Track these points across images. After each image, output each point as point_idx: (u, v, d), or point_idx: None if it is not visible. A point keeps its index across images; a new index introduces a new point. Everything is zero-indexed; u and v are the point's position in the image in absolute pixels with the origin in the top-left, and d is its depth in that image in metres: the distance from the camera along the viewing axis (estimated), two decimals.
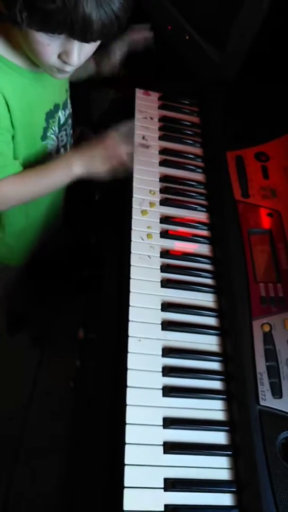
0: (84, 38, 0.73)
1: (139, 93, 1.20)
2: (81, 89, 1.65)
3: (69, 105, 1.04)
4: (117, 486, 0.68)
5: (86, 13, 0.67)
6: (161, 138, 1.12)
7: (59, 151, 1.04)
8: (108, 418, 0.78)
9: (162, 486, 0.68)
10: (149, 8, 1.51)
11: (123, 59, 1.14)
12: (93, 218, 1.31)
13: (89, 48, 0.79)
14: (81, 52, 0.77)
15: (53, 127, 0.98)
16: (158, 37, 1.44)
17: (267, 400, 0.75)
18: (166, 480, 0.69)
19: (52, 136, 0.99)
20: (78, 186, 1.01)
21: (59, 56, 0.77)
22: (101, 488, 0.73)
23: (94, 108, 1.71)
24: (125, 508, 0.65)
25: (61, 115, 1.00)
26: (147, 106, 1.18)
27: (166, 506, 0.67)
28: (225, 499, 0.70)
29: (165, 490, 0.68)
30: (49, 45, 0.74)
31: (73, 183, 0.96)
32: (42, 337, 1.69)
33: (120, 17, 0.71)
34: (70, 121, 1.07)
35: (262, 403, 0.74)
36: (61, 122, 1.01)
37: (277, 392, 0.76)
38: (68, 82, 1.02)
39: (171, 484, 0.68)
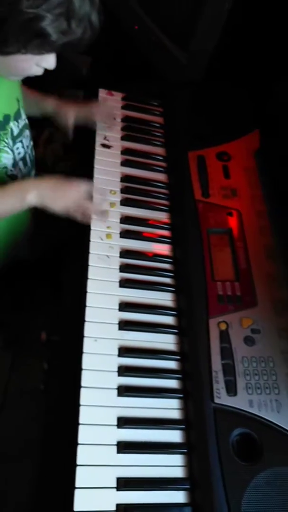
0: (76, 49, 0.78)
1: (102, 93, 1.20)
2: (52, 91, 1.64)
3: (23, 116, 1.00)
4: (70, 487, 0.67)
5: (86, 34, 0.74)
6: (123, 138, 1.12)
7: (16, 165, 1.00)
8: (66, 419, 0.78)
9: (115, 485, 0.68)
10: (116, 8, 1.52)
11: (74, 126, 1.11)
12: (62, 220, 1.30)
13: None
14: None
15: (5, 139, 0.93)
16: (123, 37, 1.45)
17: (222, 398, 0.75)
18: (118, 480, 0.69)
19: (6, 148, 0.94)
20: None
21: (37, 64, 0.80)
22: (57, 491, 0.73)
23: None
24: (75, 509, 0.65)
25: (14, 126, 0.95)
26: (110, 106, 1.17)
27: (117, 505, 0.67)
28: (178, 496, 0.70)
29: (117, 490, 0.68)
30: (32, 59, 0.78)
31: None
32: (15, 340, 1.67)
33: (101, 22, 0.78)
34: (27, 132, 1.02)
35: (216, 401, 0.75)
36: (15, 133, 0.96)
37: (232, 389, 0.76)
38: (18, 91, 0.98)
39: (123, 483, 0.68)
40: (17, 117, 0.97)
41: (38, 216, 1.16)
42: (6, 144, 0.95)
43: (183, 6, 1.29)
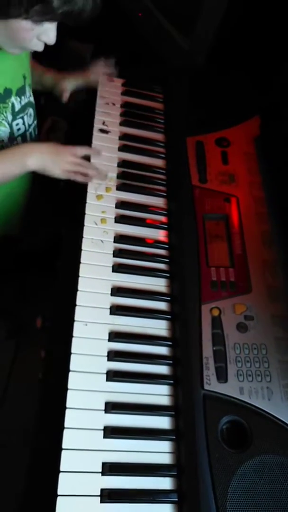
0: (77, 22, 0.76)
1: (102, 79, 1.18)
2: None
3: (27, 93, 1.00)
4: (55, 471, 0.66)
5: (87, 6, 0.74)
6: (122, 123, 1.10)
7: (13, 140, 1.00)
8: (57, 404, 0.77)
9: (100, 470, 0.67)
10: None
11: (75, 92, 1.13)
12: (59, 206, 1.29)
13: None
14: None
15: (3, 113, 0.93)
16: (125, 24, 1.44)
17: (212, 385, 0.74)
18: (104, 464, 0.68)
19: (3, 122, 0.95)
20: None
21: (38, 37, 0.80)
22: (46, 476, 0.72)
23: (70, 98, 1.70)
24: (59, 493, 0.64)
25: (15, 101, 0.95)
26: (110, 92, 1.16)
27: (102, 490, 0.66)
28: (165, 483, 0.69)
29: (102, 475, 0.67)
30: (33, 30, 0.78)
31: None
32: (18, 330, 1.68)
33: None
34: (30, 110, 1.02)
35: (206, 387, 0.73)
36: (16, 109, 0.96)
37: (222, 376, 0.75)
38: (27, 68, 0.99)
39: (108, 468, 0.67)
40: (20, 93, 0.97)
41: (33, 193, 1.17)
42: (4, 118, 0.95)
43: None
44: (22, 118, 1.00)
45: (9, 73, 0.93)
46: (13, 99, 0.95)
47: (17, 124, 0.99)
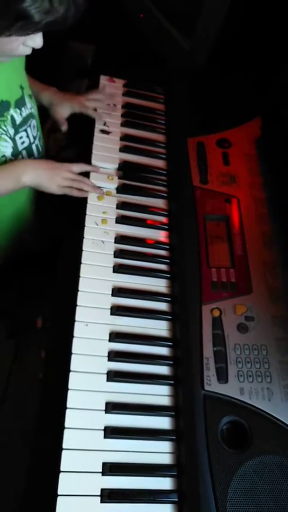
0: (61, 27, 0.74)
1: (103, 79, 1.19)
2: (56, 82, 1.63)
3: (28, 104, 0.97)
4: (55, 471, 0.67)
5: (70, 12, 0.71)
6: (123, 124, 1.10)
7: (18, 155, 0.97)
8: (57, 405, 0.77)
9: (100, 470, 0.67)
10: None
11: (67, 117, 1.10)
12: (60, 208, 1.29)
13: None
14: None
15: (3, 127, 0.90)
16: (127, 25, 1.44)
17: (212, 385, 0.74)
18: (104, 464, 0.68)
19: (4, 136, 0.92)
20: None
21: (24, 43, 0.78)
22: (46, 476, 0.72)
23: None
24: (59, 493, 0.64)
25: (15, 113, 0.92)
26: (111, 93, 1.16)
27: (102, 490, 0.66)
28: (165, 483, 0.69)
29: (103, 475, 0.67)
30: (18, 39, 0.76)
31: None
32: (19, 330, 1.68)
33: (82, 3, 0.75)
34: (34, 122, 0.99)
35: (206, 388, 0.74)
36: (17, 122, 0.93)
37: (222, 377, 0.75)
38: (23, 78, 0.96)
39: (109, 468, 0.67)
40: (19, 104, 0.94)
41: (41, 209, 1.16)
42: (4, 132, 0.92)
43: None
44: (26, 131, 0.97)
45: (3, 85, 0.90)
46: (12, 111, 0.92)
47: (21, 138, 0.96)
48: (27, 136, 0.98)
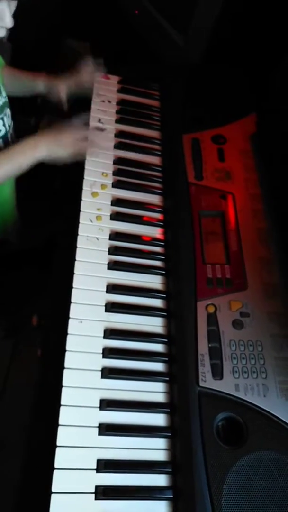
0: None
1: (98, 76, 1.18)
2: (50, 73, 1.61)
3: (3, 93, 0.98)
4: (49, 468, 0.66)
5: None
6: (118, 121, 1.10)
7: None
8: (52, 402, 0.77)
9: (95, 467, 0.67)
10: None
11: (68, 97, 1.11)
12: (55, 205, 1.28)
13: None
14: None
15: None
16: (122, 22, 1.44)
17: (207, 382, 0.73)
18: (98, 461, 0.67)
19: None
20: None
21: None
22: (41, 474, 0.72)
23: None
24: (53, 490, 0.64)
25: None
26: (105, 89, 1.16)
27: (97, 487, 0.66)
28: (160, 480, 0.68)
29: (97, 471, 0.67)
30: None
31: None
32: (16, 329, 1.67)
33: None
34: (8, 111, 1.00)
35: (202, 384, 0.73)
36: None
37: (218, 373, 0.74)
38: None
39: (103, 465, 0.67)
40: None
41: (25, 207, 1.16)
42: None
43: None
44: (2, 119, 0.98)
45: None
46: None
47: None
48: (3, 125, 0.99)
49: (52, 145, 0.92)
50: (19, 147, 0.91)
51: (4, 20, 0.78)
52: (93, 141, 0.97)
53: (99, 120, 1.09)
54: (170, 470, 0.69)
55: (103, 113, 1.10)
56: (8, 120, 1.00)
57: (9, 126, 1.01)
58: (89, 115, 1.03)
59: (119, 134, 1.07)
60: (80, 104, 1.18)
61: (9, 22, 0.78)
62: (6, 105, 1.00)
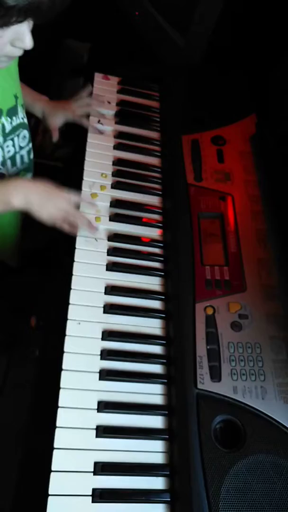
0: (40, 18, 0.70)
1: (98, 77, 1.18)
2: (52, 79, 1.62)
3: (20, 114, 0.95)
4: (46, 470, 0.66)
5: None
6: (117, 122, 1.10)
7: (4, 164, 0.94)
8: (50, 404, 0.76)
9: (92, 470, 0.67)
10: None
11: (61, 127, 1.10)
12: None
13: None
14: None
15: None
16: (122, 23, 1.44)
17: (205, 384, 0.73)
18: (96, 464, 0.67)
19: None
20: None
21: (12, 44, 0.74)
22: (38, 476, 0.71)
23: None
24: (50, 492, 0.64)
25: (6, 122, 0.90)
26: (105, 90, 1.15)
27: (94, 490, 0.65)
28: (157, 483, 0.68)
29: (94, 474, 0.67)
30: (2, 37, 0.71)
31: None
32: (13, 342, 1.65)
33: None
34: (24, 132, 0.97)
35: (200, 386, 0.73)
36: (6, 130, 0.91)
37: (216, 375, 0.74)
38: (17, 88, 0.95)
39: (100, 468, 0.67)
40: (11, 113, 0.92)
41: (27, 223, 1.13)
42: None
43: None
44: (13, 140, 0.95)
45: None
46: (3, 119, 0.90)
47: (7, 146, 0.94)
48: (13, 145, 0.96)
49: (33, 198, 0.83)
50: None
51: (24, 41, 0.74)
52: (78, 216, 0.86)
53: (99, 121, 1.08)
54: (168, 473, 0.68)
55: (101, 117, 1.10)
56: (21, 142, 0.97)
57: (20, 148, 0.97)
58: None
59: (119, 135, 1.07)
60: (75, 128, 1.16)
61: (28, 43, 0.74)
62: (22, 126, 0.96)
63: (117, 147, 1.05)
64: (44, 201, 0.83)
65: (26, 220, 1.16)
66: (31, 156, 1.03)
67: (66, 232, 0.86)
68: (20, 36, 0.73)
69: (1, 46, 0.73)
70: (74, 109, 1.08)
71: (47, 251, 1.37)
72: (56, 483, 0.64)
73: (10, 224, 1.06)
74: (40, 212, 0.83)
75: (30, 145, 1.02)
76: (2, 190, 0.83)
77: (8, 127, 0.92)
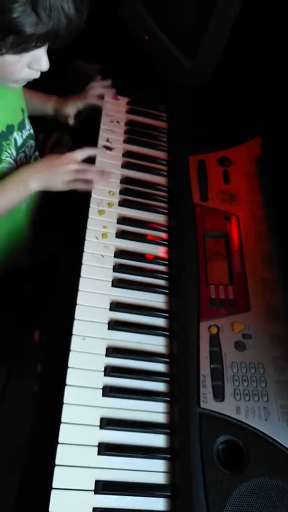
0: (57, 43, 0.73)
1: (107, 97, 1.20)
2: (59, 94, 1.65)
3: (27, 126, 1.00)
4: (47, 488, 0.65)
5: (61, 25, 0.67)
6: (126, 141, 1.12)
7: None
8: (52, 419, 0.76)
9: (93, 488, 0.66)
10: (127, 19, 1.55)
11: (77, 113, 1.15)
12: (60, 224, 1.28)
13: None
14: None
15: (8, 150, 0.93)
16: (132, 45, 1.47)
17: (208, 403, 0.73)
18: (97, 482, 0.67)
19: (8, 159, 0.94)
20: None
21: (29, 66, 0.77)
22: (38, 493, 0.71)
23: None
24: (50, 510, 0.63)
25: (17, 136, 0.95)
26: (115, 110, 1.18)
27: (94, 509, 0.65)
28: (158, 503, 0.67)
29: (95, 493, 0.66)
30: (19, 61, 0.74)
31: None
32: (14, 355, 1.64)
33: (82, 12, 0.71)
34: (31, 142, 1.02)
35: (203, 406, 0.73)
36: (18, 144, 0.96)
37: (219, 395, 0.74)
38: (23, 101, 0.98)
39: (101, 487, 0.66)
40: (21, 127, 0.96)
41: (38, 224, 1.16)
42: (8, 155, 0.94)
43: (190, 18, 1.32)
44: (24, 151, 0.99)
45: (9, 109, 0.92)
46: (15, 134, 0.94)
47: (20, 159, 0.99)
48: (25, 157, 1.00)
49: (44, 175, 0.90)
50: (11, 179, 0.90)
51: (41, 64, 0.76)
52: (87, 170, 0.93)
53: (107, 140, 1.10)
54: (169, 494, 0.68)
55: (112, 133, 1.12)
56: (29, 151, 1.02)
57: (30, 157, 1.02)
58: (92, 149, 1.00)
59: (127, 154, 1.09)
60: (89, 123, 1.21)
61: (45, 65, 0.77)
62: (30, 137, 1.01)
63: (125, 165, 1.07)
64: (52, 173, 0.90)
65: (37, 218, 1.19)
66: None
67: (82, 189, 0.92)
68: (37, 59, 0.75)
69: (19, 69, 0.76)
70: (86, 96, 1.13)
71: (50, 265, 1.38)
72: (56, 501, 0.64)
73: (22, 223, 1.09)
74: (54, 184, 0.90)
75: (37, 153, 1.06)
76: (18, 180, 0.89)
77: (19, 141, 0.96)
